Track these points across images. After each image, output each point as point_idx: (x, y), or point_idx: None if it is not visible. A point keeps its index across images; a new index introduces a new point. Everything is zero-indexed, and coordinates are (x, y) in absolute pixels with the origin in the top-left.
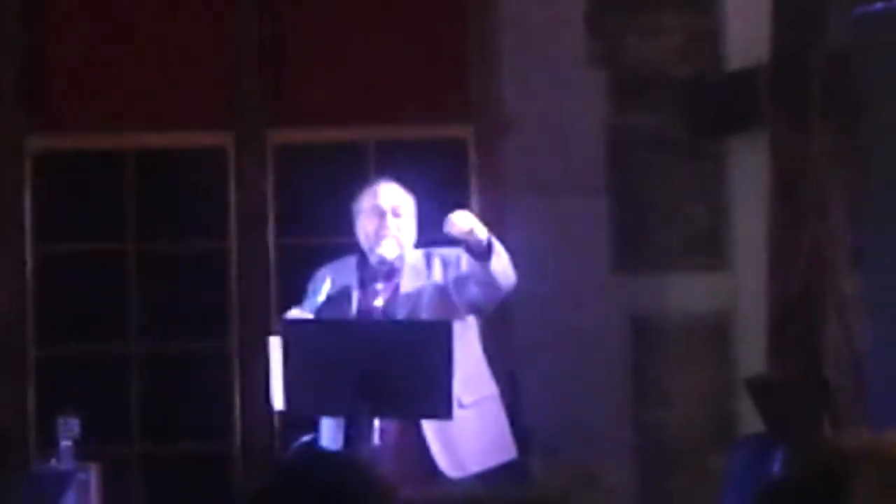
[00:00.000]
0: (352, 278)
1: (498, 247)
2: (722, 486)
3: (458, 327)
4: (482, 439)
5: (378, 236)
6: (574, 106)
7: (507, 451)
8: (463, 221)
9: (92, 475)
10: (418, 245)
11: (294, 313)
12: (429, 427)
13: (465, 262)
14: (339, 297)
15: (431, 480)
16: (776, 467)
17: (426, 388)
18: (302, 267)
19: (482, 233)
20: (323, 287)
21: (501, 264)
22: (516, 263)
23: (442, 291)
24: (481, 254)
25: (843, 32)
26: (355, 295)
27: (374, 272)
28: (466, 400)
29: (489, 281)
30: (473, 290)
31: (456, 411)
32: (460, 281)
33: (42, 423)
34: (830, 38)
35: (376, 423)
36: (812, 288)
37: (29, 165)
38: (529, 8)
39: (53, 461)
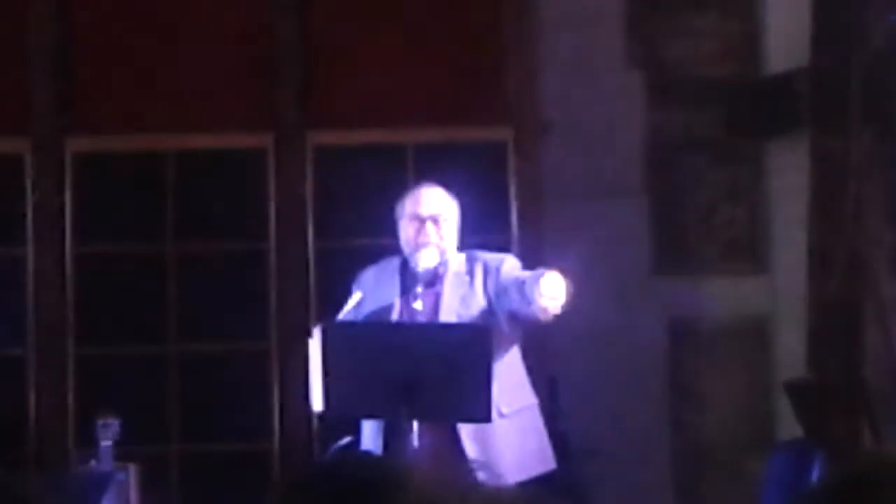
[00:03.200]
0: (394, 281)
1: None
2: (759, 489)
3: (499, 336)
4: (521, 450)
5: (417, 244)
6: (613, 108)
7: (545, 461)
8: (555, 291)
9: (131, 475)
10: (461, 247)
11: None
12: (467, 436)
13: (508, 266)
14: (381, 299)
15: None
16: (815, 474)
17: (465, 391)
18: (340, 268)
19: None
20: (351, 300)
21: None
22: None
23: (488, 312)
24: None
25: (883, 37)
26: (396, 299)
27: (416, 277)
28: (506, 410)
29: (534, 317)
30: (515, 306)
31: (495, 420)
32: (501, 291)
33: (81, 422)
34: (870, 43)
35: (415, 426)
36: (851, 291)
37: (69, 168)
38: (568, 10)
39: (93, 462)
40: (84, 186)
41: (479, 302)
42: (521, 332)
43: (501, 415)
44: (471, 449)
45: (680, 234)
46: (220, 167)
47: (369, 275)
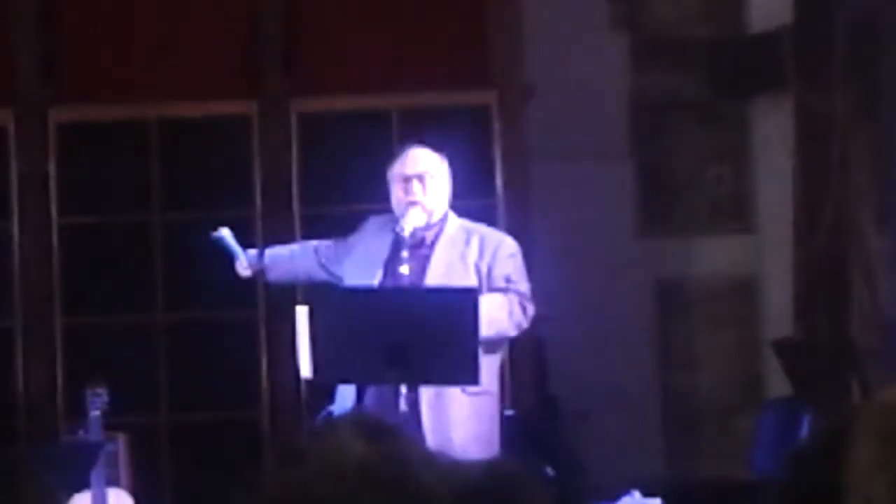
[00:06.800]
0: (387, 241)
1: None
2: (749, 447)
3: None
4: (470, 432)
5: (405, 204)
6: (597, 70)
7: (491, 450)
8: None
9: (120, 445)
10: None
11: (313, 243)
12: (426, 404)
13: (504, 252)
14: (369, 257)
15: None
16: (804, 431)
17: (453, 355)
18: (326, 234)
19: None
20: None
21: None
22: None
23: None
24: None
25: None
26: (384, 260)
27: (405, 240)
28: (468, 388)
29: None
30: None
31: (455, 396)
32: (489, 276)
33: (69, 393)
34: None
35: (403, 389)
36: (838, 249)
37: (53, 137)
38: None
39: (82, 432)
40: (68, 156)
41: (465, 274)
42: None
43: (463, 391)
44: (427, 418)
45: (666, 195)
46: (204, 135)
47: (373, 224)
